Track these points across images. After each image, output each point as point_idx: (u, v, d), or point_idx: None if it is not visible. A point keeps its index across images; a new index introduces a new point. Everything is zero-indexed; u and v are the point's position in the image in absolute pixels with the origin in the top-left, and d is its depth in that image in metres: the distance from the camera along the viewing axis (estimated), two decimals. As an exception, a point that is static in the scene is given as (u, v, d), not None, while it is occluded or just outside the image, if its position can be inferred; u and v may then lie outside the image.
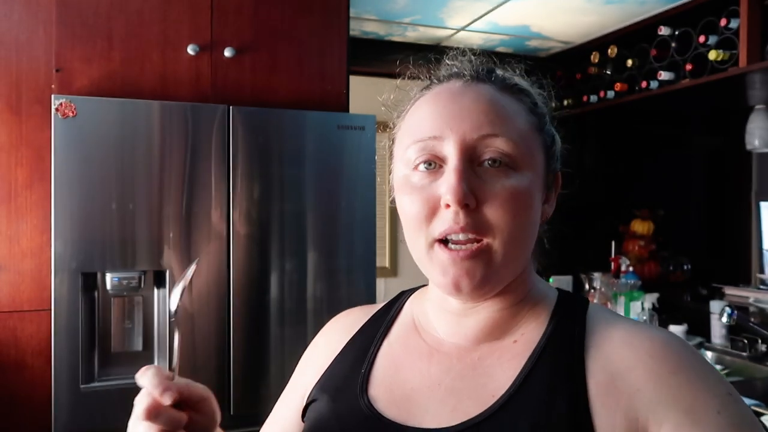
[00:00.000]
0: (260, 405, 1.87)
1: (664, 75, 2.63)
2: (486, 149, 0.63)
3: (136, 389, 0.61)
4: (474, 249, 0.62)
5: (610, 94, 2.94)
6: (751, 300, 2.62)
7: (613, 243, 3.21)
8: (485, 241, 0.62)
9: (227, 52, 1.98)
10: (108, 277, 1.76)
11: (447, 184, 0.62)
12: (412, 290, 0.82)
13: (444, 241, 0.63)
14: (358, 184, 2.01)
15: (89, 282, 1.77)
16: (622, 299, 2.85)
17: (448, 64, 0.72)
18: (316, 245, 1.96)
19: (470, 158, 0.63)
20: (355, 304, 0.82)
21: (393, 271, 3.94)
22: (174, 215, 1.81)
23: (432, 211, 0.63)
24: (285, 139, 1.93)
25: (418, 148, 0.65)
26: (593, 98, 3.06)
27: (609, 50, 2.98)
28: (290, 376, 0.83)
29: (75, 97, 1.73)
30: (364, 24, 2.93)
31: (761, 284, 2.82)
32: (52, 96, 1.71)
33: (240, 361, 1.86)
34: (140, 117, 1.79)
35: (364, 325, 0.79)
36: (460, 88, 0.67)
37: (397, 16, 2.83)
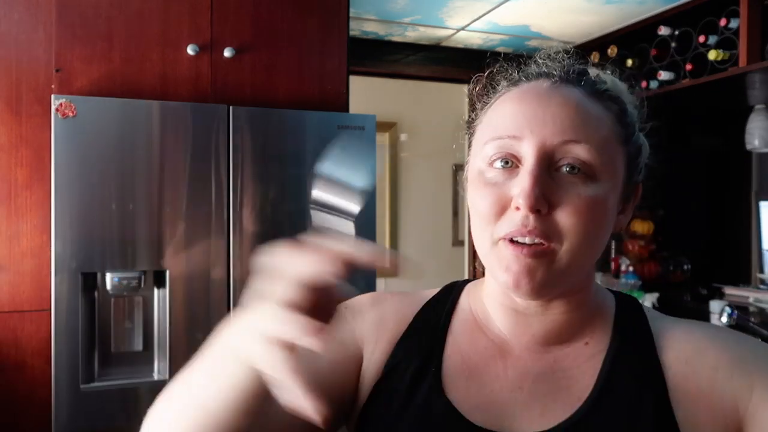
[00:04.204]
0: (260, 405, 1.87)
1: (664, 75, 2.63)
2: (565, 155, 0.61)
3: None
4: (539, 249, 0.60)
5: (610, 94, 2.94)
6: (751, 300, 2.63)
7: (613, 243, 3.20)
8: (551, 246, 0.61)
9: (227, 52, 1.98)
10: (108, 277, 1.76)
11: (520, 187, 0.60)
12: (463, 282, 0.79)
13: (510, 239, 0.62)
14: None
15: (89, 282, 1.77)
16: (622, 299, 2.85)
17: (538, 63, 0.70)
18: (316, 245, 1.96)
19: (548, 163, 0.61)
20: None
21: (393, 271, 3.93)
22: (174, 215, 1.81)
23: (501, 209, 0.62)
24: (285, 139, 1.93)
25: (496, 145, 0.64)
26: (593, 98, 3.06)
27: (609, 50, 2.98)
28: None
29: (75, 97, 1.73)
30: (364, 24, 2.93)
31: (761, 284, 2.82)
32: (52, 96, 1.71)
33: (240, 361, 1.86)
34: (140, 117, 1.79)
35: (418, 314, 0.74)
36: (546, 89, 0.65)
37: (397, 16, 2.83)
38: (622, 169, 0.65)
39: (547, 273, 0.61)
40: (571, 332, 0.68)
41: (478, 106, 0.72)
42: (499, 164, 0.63)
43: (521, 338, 0.68)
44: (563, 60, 0.68)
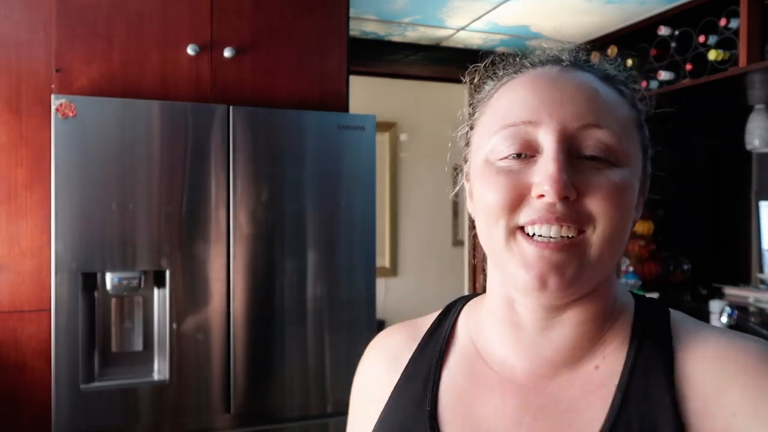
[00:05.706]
0: (261, 405, 1.87)
1: (664, 75, 2.63)
2: (587, 141, 0.56)
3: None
4: (567, 242, 0.54)
5: (610, 94, 2.94)
6: (751, 300, 2.63)
7: (613, 243, 3.20)
8: (583, 232, 0.55)
9: (227, 52, 1.98)
10: (108, 277, 1.76)
11: (544, 173, 0.54)
12: (463, 300, 0.73)
13: (528, 234, 0.56)
14: (358, 184, 2.01)
15: (89, 282, 1.77)
16: (622, 299, 2.85)
17: (544, 49, 0.64)
18: (316, 245, 1.96)
19: (569, 149, 0.56)
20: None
21: (393, 271, 3.93)
22: (174, 215, 1.81)
23: (519, 198, 0.56)
24: (285, 139, 1.93)
25: (508, 134, 0.57)
26: (593, 98, 3.06)
27: (609, 50, 2.97)
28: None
29: (75, 97, 1.73)
30: (364, 24, 2.93)
31: (761, 284, 2.83)
32: (52, 96, 1.71)
33: (240, 361, 1.86)
34: (140, 117, 1.79)
35: (415, 352, 0.69)
36: (558, 73, 0.60)
37: (397, 16, 2.83)
38: (640, 157, 0.61)
39: (578, 267, 0.55)
40: (581, 351, 0.60)
41: (476, 99, 0.66)
42: (512, 155, 0.57)
43: (526, 359, 0.61)
44: (567, 47, 0.65)
